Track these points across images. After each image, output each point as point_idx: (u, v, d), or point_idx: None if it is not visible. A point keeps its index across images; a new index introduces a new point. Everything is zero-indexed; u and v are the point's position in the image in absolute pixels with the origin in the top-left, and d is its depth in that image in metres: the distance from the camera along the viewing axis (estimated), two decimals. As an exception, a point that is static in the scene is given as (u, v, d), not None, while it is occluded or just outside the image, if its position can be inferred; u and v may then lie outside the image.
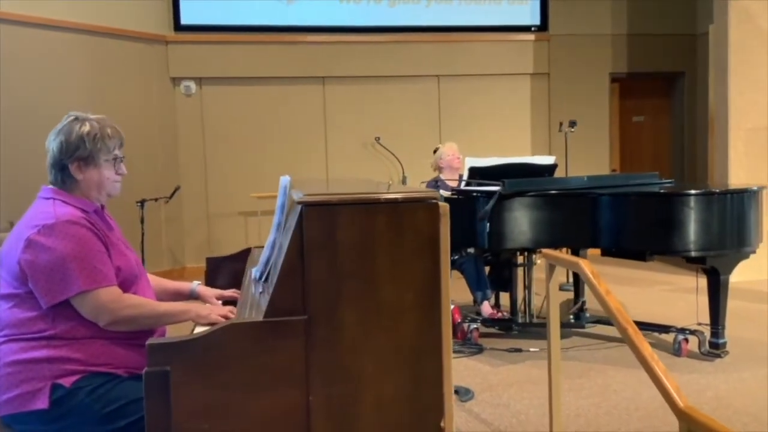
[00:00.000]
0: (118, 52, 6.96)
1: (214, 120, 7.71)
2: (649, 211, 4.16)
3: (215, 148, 7.73)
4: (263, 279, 2.05)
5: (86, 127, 2.11)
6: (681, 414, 1.91)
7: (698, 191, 4.08)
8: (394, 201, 1.54)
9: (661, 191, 4.28)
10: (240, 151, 7.75)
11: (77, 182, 2.12)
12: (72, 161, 2.09)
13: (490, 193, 4.26)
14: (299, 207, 1.54)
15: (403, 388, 1.57)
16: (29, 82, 6.16)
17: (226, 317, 2.13)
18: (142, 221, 6.57)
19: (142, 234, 6.54)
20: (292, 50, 7.76)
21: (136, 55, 7.16)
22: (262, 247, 2.97)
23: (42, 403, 1.96)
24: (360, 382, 1.56)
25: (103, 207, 2.24)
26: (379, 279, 1.55)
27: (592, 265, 2.56)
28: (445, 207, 1.55)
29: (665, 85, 8.96)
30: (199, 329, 2.08)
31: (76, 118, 2.14)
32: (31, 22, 6.21)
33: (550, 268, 2.82)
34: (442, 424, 1.56)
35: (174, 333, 2.57)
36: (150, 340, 1.55)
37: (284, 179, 2.11)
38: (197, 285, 2.50)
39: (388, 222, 1.54)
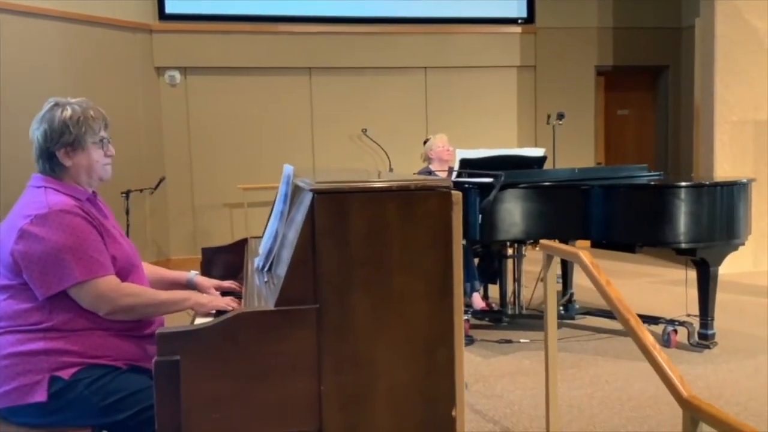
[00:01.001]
0: (101, 41, 6.86)
1: (199, 110, 7.63)
2: (640, 203, 4.19)
3: (200, 139, 7.65)
4: (266, 269, 2.02)
5: (68, 112, 2.05)
6: (685, 403, 1.91)
7: (689, 183, 4.11)
8: (407, 188, 1.53)
9: (652, 183, 4.30)
10: (225, 142, 7.68)
11: (67, 169, 2.07)
12: (59, 148, 2.04)
13: (482, 185, 4.26)
14: (310, 195, 1.52)
15: (415, 377, 1.56)
16: (9, 71, 6.04)
17: (226, 306, 2.10)
18: (127, 212, 6.50)
19: (127, 225, 6.47)
20: (278, 40, 7.69)
21: (120, 44, 7.06)
22: (259, 237, 2.95)
23: (40, 395, 1.92)
24: (371, 371, 1.54)
25: (95, 194, 2.19)
26: (391, 267, 1.54)
27: (591, 255, 2.56)
28: (457, 195, 1.53)
29: (650, 79, 9.02)
30: (199, 320, 2.05)
31: (57, 104, 2.08)
32: (11, 9, 6.08)
33: (548, 259, 2.82)
34: (453, 414, 1.56)
35: (172, 323, 2.55)
36: (159, 330, 1.53)
37: (288, 168, 2.09)
38: (195, 275, 2.46)
39: (399, 210, 1.53)
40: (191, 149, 7.65)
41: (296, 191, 2.04)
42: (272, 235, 2.06)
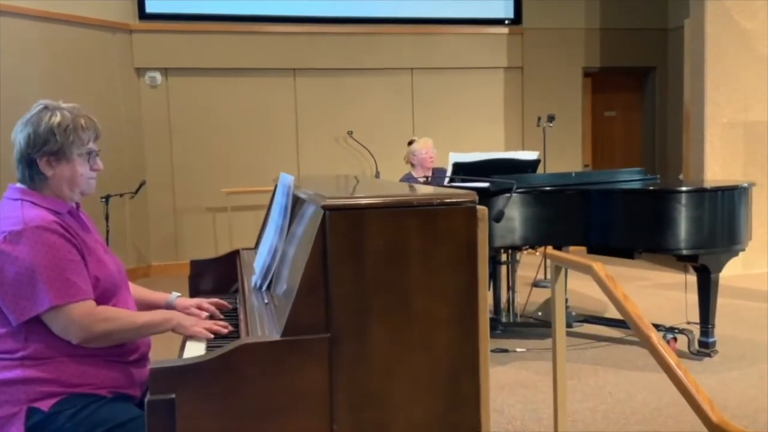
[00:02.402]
0: (79, 41, 6.63)
1: (180, 112, 7.41)
2: (641, 208, 4.08)
3: (182, 142, 7.44)
4: (265, 288, 1.86)
5: (57, 118, 1.87)
6: (714, 428, 1.79)
7: (691, 188, 4.01)
8: (429, 204, 1.37)
9: (653, 188, 4.20)
10: (208, 144, 7.48)
11: (47, 179, 1.89)
12: (41, 156, 1.86)
13: (480, 190, 4.11)
14: (320, 211, 1.36)
15: (437, 412, 1.41)
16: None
17: (211, 330, 1.94)
18: (106, 218, 6.29)
19: (107, 231, 6.25)
20: (262, 41, 7.50)
21: (98, 44, 6.83)
22: (250, 249, 2.79)
23: (17, 429, 1.75)
24: (389, 406, 1.39)
25: (78, 206, 2.01)
26: (411, 291, 1.39)
27: (605, 267, 2.43)
28: (483, 210, 1.39)
29: (637, 80, 8.96)
30: (189, 344, 1.89)
31: (46, 107, 1.90)
32: (-14, 8, 5.86)
33: (557, 270, 2.68)
34: (479, 451, 1.41)
35: (161, 347, 2.37)
36: (153, 365, 1.36)
37: (287, 178, 1.92)
38: (176, 297, 2.24)
39: (421, 227, 1.37)
40: (173, 152, 7.44)
41: (297, 203, 1.88)
42: (270, 250, 1.90)
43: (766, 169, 6.64)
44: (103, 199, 6.27)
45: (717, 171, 6.57)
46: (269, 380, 1.35)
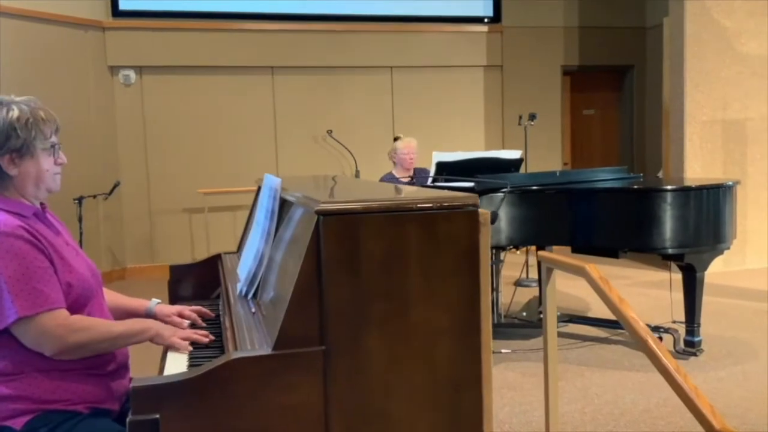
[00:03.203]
0: (51, 39, 6.45)
1: (155, 111, 7.25)
2: (626, 207, 4.04)
3: (157, 141, 7.28)
4: (250, 295, 1.77)
5: (15, 112, 1.76)
6: (717, 436, 1.75)
7: (676, 187, 3.98)
8: (429, 208, 1.29)
9: (639, 187, 4.16)
10: (184, 144, 7.33)
11: (11, 179, 1.77)
12: (3, 154, 1.74)
13: (461, 190, 4.05)
14: (315, 216, 1.27)
15: (439, 427, 1.33)
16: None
17: (190, 339, 1.84)
18: (79, 220, 6.13)
19: (81, 233, 6.09)
20: (239, 38, 7.37)
21: (71, 42, 6.65)
22: (233, 253, 2.69)
23: (-13, 449, 1.64)
24: (388, 423, 1.31)
25: (44, 207, 1.89)
26: (410, 301, 1.30)
27: (598, 269, 2.37)
28: (485, 214, 1.31)
29: (615, 79, 8.98)
30: (171, 355, 1.79)
31: (0, 103, 1.78)
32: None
33: (548, 272, 2.62)
34: (482, 468, 1.33)
35: (140, 357, 2.27)
36: (135, 382, 1.26)
37: (273, 180, 1.83)
38: (156, 304, 2.13)
39: (420, 232, 1.29)
40: (147, 152, 7.28)
41: (283, 206, 1.79)
42: (256, 256, 1.81)
43: (745, 167, 6.67)
44: (76, 201, 6.12)
45: (697, 169, 6.58)
46: (260, 397, 1.27)
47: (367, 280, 1.29)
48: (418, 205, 1.29)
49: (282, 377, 1.27)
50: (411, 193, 1.49)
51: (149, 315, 2.10)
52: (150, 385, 1.24)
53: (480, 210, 1.31)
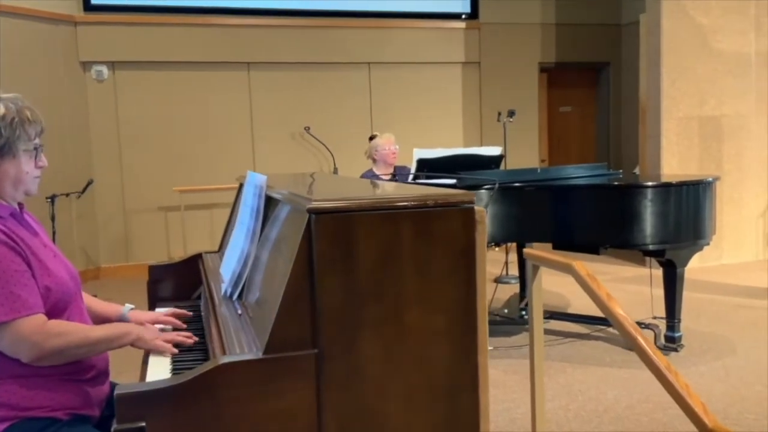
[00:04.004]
0: (21, 33, 6.30)
1: (129, 108, 7.12)
2: (607, 203, 4.04)
3: (131, 138, 7.15)
4: (236, 296, 1.71)
5: (0, 110, 1.69)
6: (709, 434, 1.73)
7: (657, 183, 3.99)
8: (424, 205, 1.25)
9: (619, 184, 4.17)
10: (158, 141, 7.21)
11: None
12: None
13: (443, 187, 4.03)
14: (306, 215, 1.22)
15: (436, 431, 1.29)
16: None
17: (174, 342, 1.79)
18: (52, 219, 5.99)
19: (54, 233, 5.96)
20: (214, 33, 7.26)
21: (41, 37, 6.50)
22: (214, 252, 2.63)
23: (-38, 458, 1.57)
24: (383, 427, 1.27)
25: (22, 207, 1.82)
26: (405, 301, 1.26)
27: (586, 266, 2.35)
28: (482, 212, 1.27)
29: (591, 75, 9.02)
30: (154, 358, 1.73)
31: None
32: None
33: (534, 270, 2.60)
34: (479, 472, 1.30)
35: (120, 362, 2.20)
36: (119, 389, 1.20)
37: (257, 177, 1.78)
38: (129, 309, 2.06)
39: (415, 231, 1.25)
40: (121, 149, 7.14)
41: (269, 204, 1.74)
42: (240, 256, 1.75)
43: (721, 163, 6.74)
44: (49, 200, 5.98)
45: (674, 165, 6.63)
46: (250, 403, 1.22)
47: (360, 280, 1.24)
48: (414, 203, 1.25)
49: (273, 382, 1.22)
50: (406, 190, 1.45)
51: (122, 321, 2.03)
52: (135, 392, 1.19)
53: (476, 207, 1.28)
